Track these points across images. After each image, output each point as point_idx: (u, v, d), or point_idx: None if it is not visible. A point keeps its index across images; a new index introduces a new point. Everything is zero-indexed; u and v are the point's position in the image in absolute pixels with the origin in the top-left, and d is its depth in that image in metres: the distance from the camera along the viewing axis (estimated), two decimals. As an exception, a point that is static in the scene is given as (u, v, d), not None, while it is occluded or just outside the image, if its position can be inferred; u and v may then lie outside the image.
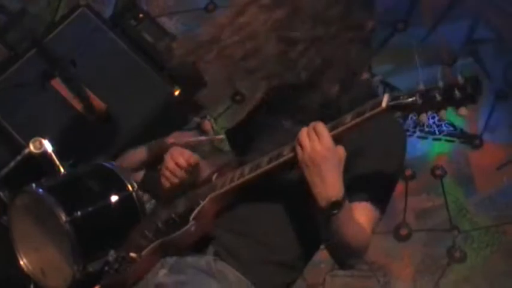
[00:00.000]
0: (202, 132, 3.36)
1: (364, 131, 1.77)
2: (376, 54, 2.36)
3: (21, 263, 2.33)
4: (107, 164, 2.44)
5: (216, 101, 3.56)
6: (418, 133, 3.47)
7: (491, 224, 3.36)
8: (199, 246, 1.90)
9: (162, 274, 1.89)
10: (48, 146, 2.58)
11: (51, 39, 3.14)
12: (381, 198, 1.86)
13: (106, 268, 1.98)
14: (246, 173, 1.84)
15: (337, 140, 1.73)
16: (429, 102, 1.60)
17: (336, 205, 1.73)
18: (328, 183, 1.72)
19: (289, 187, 1.86)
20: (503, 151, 3.41)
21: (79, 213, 2.24)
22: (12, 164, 2.61)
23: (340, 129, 1.72)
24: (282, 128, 1.91)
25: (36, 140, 2.58)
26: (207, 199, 1.89)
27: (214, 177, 1.96)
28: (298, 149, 1.74)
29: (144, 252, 1.93)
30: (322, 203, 1.74)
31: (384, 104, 1.65)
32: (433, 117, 3.47)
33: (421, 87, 1.61)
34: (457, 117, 3.38)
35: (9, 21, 3.23)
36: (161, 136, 3.21)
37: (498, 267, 3.34)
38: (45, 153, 2.57)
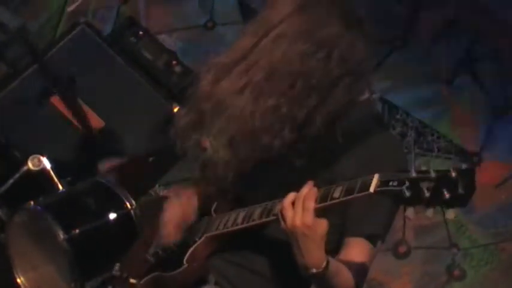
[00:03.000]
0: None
1: (362, 160, 1.76)
2: (374, 72, 2.37)
3: (19, 281, 2.32)
4: (105, 182, 2.44)
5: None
6: (417, 150, 3.47)
7: (490, 242, 3.35)
8: (199, 277, 1.90)
9: None
10: (46, 163, 2.58)
11: (51, 57, 3.15)
12: (378, 233, 1.84)
13: (107, 282, 1.98)
14: (239, 222, 1.82)
15: (323, 210, 1.68)
16: (417, 198, 1.50)
17: (316, 276, 1.71)
18: (307, 257, 1.69)
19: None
20: (502, 168, 3.41)
21: (77, 231, 2.23)
22: (10, 181, 2.61)
23: (328, 203, 1.66)
24: (286, 166, 1.86)
25: (34, 157, 2.58)
26: (202, 238, 1.88)
27: (213, 208, 1.94)
28: (281, 218, 1.70)
29: (142, 281, 1.93)
30: (303, 271, 1.72)
31: (371, 189, 1.58)
32: (432, 135, 3.48)
33: (413, 174, 1.51)
34: (455, 135, 3.43)
35: (9, 38, 3.24)
36: (159, 153, 3.21)
37: (497, 284, 3.33)
38: (43, 171, 2.57)
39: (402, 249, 3.35)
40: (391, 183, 1.54)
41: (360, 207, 1.79)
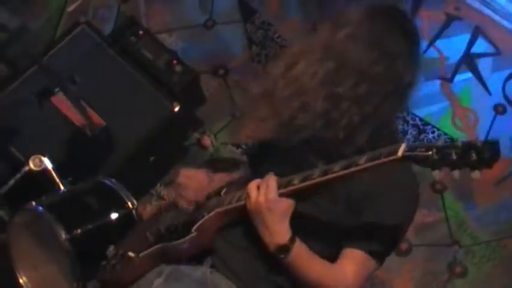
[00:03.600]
0: (202, 148, 3.37)
1: (378, 178, 1.80)
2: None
3: (21, 281, 2.33)
4: (106, 181, 2.45)
5: (216, 116, 3.57)
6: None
7: (491, 239, 3.34)
8: (197, 256, 1.92)
9: (157, 283, 1.91)
10: (48, 163, 2.58)
11: (51, 57, 3.15)
12: (381, 251, 1.87)
13: (103, 263, 1.98)
14: (243, 198, 1.87)
15: (348, 178, 1.76)
16: (444, 160, 1.59)
17: (283, 249, 1.80)
18: (273, 231, 1.80)
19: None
20: (503, 165, 3.40)
21: (79, 230, 2.24)
22: (12, 181, 2.61)
23: (353, 169, 1.73)
24: (306, 161, 1.91)
25: (36, 157, 2.58)
26: (212, 213, 1.91)
27: (223, 191, 1.99)
28: (247, 199, 1.83)
29: (142, 254, 1.94)
30: (271, 248, 1.81)
31: (399, 153, 1.65)
32: (433, 132, 3.48)
33: (440, 142, 1.61)
34: (456, 131, 3.42)
35: (9, 38, 3.24)
36: (160, 152, 3.22)
37: (499, 281, 3.33)
38: (45, 171, 2.57)
39: (403, 246, 3.35)
40: (418, 149, 1.62)
41: (367, 222, 1.83)
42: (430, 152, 1.60)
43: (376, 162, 1.69)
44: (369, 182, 1.82)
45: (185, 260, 1.92)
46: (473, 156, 1.56)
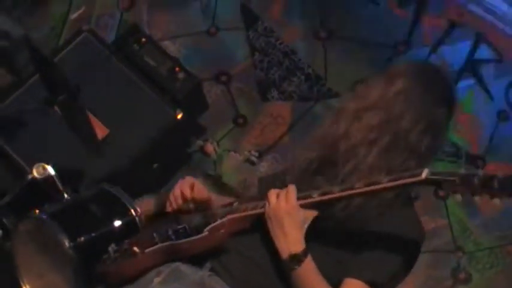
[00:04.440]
0: (205, 155, 3.37)
1: (390, 218, 1.88)
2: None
3: (24, 289, 2.32)
4: (110, 189, 2.44)
5: (219, 123, 3.57)
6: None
7: (495, 245, 3.34)
8: (197, 260, 1.95)
9: (156, 282, 1.93)
10: (51, 171, 2.58)
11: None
12: (381, 281, 1.90)
13: (105, 256, 1.98)
14: (259, 207, 1.94)
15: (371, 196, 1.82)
16: (467, 185, 1.66)
17: (296, 258, 1.83)
18: (289, 238, 1.84)
19: None
20: (506, 171, 3.40)
21: (82, 238, 2.23)
22: (15, 189, 2.61)
23: (374, 187, 1.78)
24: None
25: (39, 165, 2.58)
26: (225, 218, 1.95)
27: (235, 203, 2.04)
28: (266, 203, 1.88)
29: (147, 250, 1.96)
30: (283, 255, 1.84)
31: (423, 175, 1.71)
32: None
33: (463, 171, 1.68)
34: (459, 138, 3.42)
35: (13, 47, 3.25)
36: (163, 159, 3.22)
37: (503, 287, 3.32)
38: (48, 179, 2.57)
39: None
40: (442, 174, 1.70)
41: (371, 255, 1.88)
42: (454, 178, 1.67)
43: (399, 182, 1.73)
44: (382, 222, 1.88)
45: (188, 258, 1.95)
46: (496, 184, 1.63)
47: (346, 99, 2.04)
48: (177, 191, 2.09)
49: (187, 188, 2.07)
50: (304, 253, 1.84)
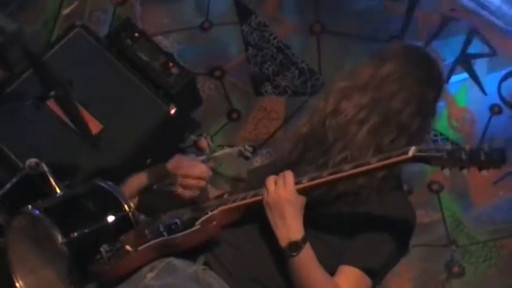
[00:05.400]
0: (199, 150, 3.36)
1: (382, 203, 1.89)
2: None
3: (17, 285, 2.32)
4: (103, 184, 2.43)
5: (213, 118, 3.57)
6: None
7: (488, 239, 3.35)
8: (190, 254, 1.95)
9: (149, 277, 1.94)
10: (44, 166, 2.58)
11: (47, 60, 3.15)
12: (375, 268, 1.91)
13: (98, 257, 1.98)
14: (248, 197, 1.95)
15: (359, 176, 1.83)
16: (454, 159, 1.68)
17: (295, 246, 1.82)
18: (289, 225, 1.83)
19: None
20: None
21: (75, 234, 2.23)
22: (8, 185, 2.60)
23: (362, 168, 1.79)
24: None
25: (32, 160, 2.58)
26: (216, 210, 1.94)
27: (225, 195, 2.04)
28: (264, 191, 1.87)
29: (140, 248, 1.96)
30: (283, 242, 1.84)
31: (410, 153, 1.72)
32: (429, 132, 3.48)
33: (448, 146, 1.69)
34: (453, 132, 3.43)
35: (6, 41, 3.23)
36: (157, 154, 3.21)
37: (496, 281, 3.33)
38: (41, 174, 2.57)
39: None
40: (429, 151, 1.71)
41: (364, 240, 1.89)
42: (441, 153, 1.67)
43: (387, 161, 1.73)
44: (373, 206, 1.89)
45: (182, 253, 1.95)
46: (482, 156, 1.64)
47: (336, 79, 2.04)
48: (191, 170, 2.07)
49: (196, 169, 2.06)
50: (304, 240, 1.83)
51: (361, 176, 1.84)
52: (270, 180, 1.87)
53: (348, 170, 1.80)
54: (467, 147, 1.67)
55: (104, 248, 2.00)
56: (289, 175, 1.86)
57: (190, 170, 2.06)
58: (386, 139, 1.91)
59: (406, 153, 1.72)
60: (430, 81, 1.99)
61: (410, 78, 1.95)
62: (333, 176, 1.81)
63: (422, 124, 1.95)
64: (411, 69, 1.97)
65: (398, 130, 1.92)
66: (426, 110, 1.97)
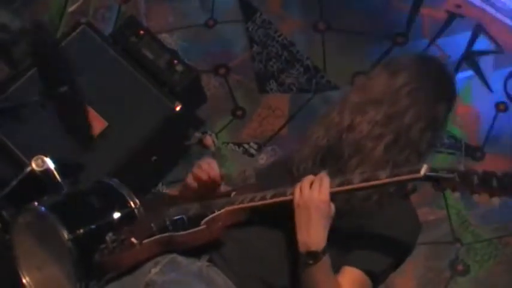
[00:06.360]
0: (204, 147, 3.37)
1: (384, 209, 1.87)
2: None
3: (24, 281, 2.32)
4: (108, 181, 2.44)
5: (217, 116, 3.57)
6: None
7: (493, 236, 3.35)
8: (195, 252, 1.94)
9: (153, 273, 1.92)
10: (50, 163, 2.58)
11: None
12: (379, 272, 1.91)
13: (103, 246, 1.99)
14: (268, 198, 1.91)
15: (363, 190, 1.82)
16: (466, 183, 1.66)
17: (313, 255, 1.80)
18: (312, 231, 1.80)
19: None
20: (505, 163, 3.41)
21: (81, 230, 2.24)
22: (14, 182, 2.61)
23: (372, 183, 1.78)
24: None
25: (38, 157, 2.59)
26: (223, 210, 1.93)
27: (233, 194, 2.02)
28: (297, 191, 1.83)
29: (145, 241, 1.95)
30: (302, 248, 1.81)
31: (422, 172, 1.70)
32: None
33: (461, 168, 1.68)
34: (458, 129, 3.42)
35: (11, 39, 3.24)
36: (162, 151, 3.22)
37: (502, 279, 3.33)
38: (47, 171, 2.57)
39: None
40: (440, 171, 1.69)
41: (368, 245, 1.88)
42: (453, 175, 1.66)
43: (397, 179, 1.72)
44: (381, 214, 1.89)
45: (186, 250, 1.94)
46: (495, 183, 1.63)
47: (349, 91, 2.03)
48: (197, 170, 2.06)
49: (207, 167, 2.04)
50: (323, 251, 1.80)
51: (371, 190, 1.83)
52: (306, 182, 1.82)
53: (358, 183, 1.79)
54: (480, 170, 1.65)
55: (109, 237, 1.99)
56: (326, 179, 1.81)
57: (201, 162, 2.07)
58: (401, 155, 1.90)
59: (418, 172, 1.71)
60: (443, 97, 1.97)
61: (423, 93, 1.93)
62: (365, 184, 1.79)
63: (433, 139, 1.94)
64: (423, 84, 1.94)
65: (409, 146, 1.90)
66: (437, 125, 1.95)
